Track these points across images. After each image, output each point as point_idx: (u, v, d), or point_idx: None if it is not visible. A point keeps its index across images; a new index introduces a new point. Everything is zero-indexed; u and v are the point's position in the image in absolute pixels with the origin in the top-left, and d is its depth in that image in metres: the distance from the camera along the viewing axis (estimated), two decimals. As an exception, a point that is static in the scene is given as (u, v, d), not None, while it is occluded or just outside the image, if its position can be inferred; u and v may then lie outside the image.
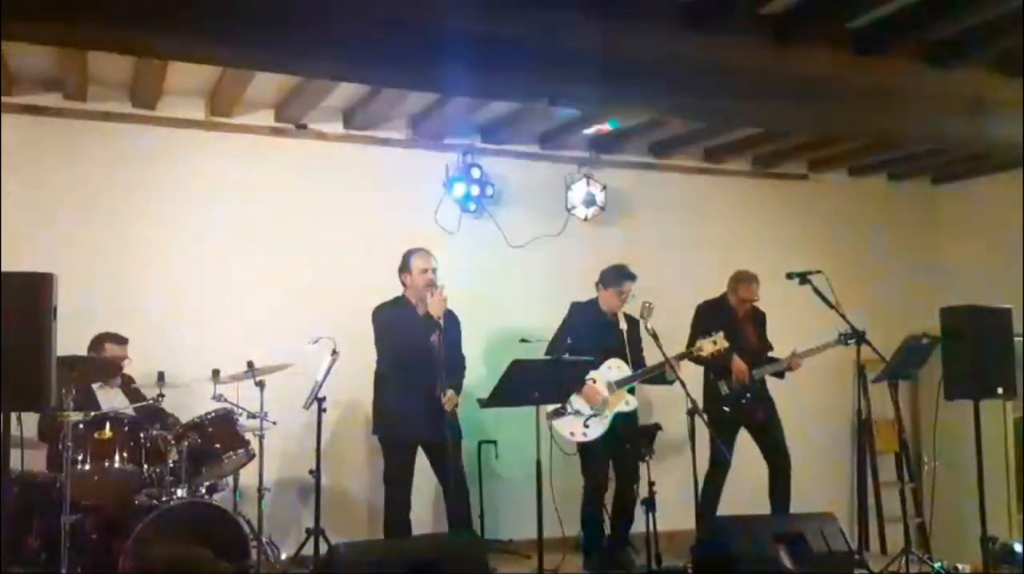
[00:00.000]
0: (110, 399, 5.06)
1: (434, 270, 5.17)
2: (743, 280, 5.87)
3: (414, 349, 5.01)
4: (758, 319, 5.98)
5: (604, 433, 5.40)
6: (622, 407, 5.44)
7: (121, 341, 5.19)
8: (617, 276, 5.63)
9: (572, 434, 5.37)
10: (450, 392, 5.03)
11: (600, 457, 5.50)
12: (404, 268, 5.24)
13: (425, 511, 5.88)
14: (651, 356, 5.48)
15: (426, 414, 5.01)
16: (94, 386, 5.02)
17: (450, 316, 5.23)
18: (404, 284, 5.25)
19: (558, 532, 5.32)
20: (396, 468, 5.13)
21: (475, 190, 6.54)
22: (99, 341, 5.14)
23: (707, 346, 5.34)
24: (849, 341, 5.43)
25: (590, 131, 6.50)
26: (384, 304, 5.20)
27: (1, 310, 3.26)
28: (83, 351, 4.56)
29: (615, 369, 5.46)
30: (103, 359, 4.95)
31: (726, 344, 5.35)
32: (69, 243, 5.56)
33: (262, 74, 5.40)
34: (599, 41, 4.25)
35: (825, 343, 5.58)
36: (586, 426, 5.39)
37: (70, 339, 3.66)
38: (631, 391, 5.51)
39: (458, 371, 5.24)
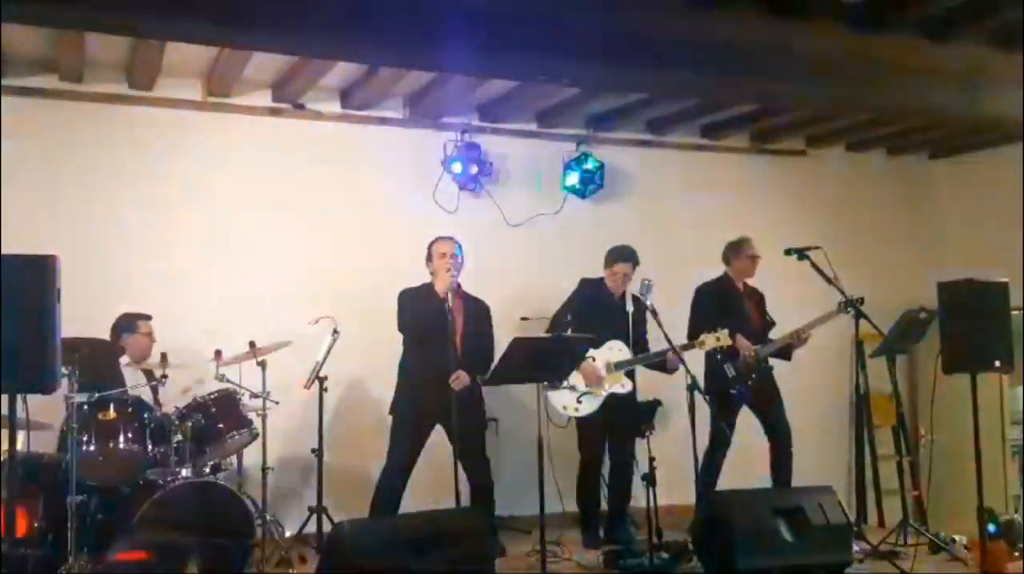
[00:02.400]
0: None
1: (453, 255, 5.23)
2: (742, 242, 5.83)
3: (425, 328, 5.10)
4: (758, 298, 5.99)
5: (598, 411, 5.46)
6: (617, 389, 5.49)
7: (148, 318, 5.26)
8: (610, 256, 5.65)
9: (564, 408, 5.42)
10: (459, 372, 5.07)
11: (596, 433, 5.57)
12: (428, 256, 5.32)
13: (427, 490, 5.94)
14: (653, 337, 5.51)
15: (437, 394, 5.05)
16: (123, 363, 5.07)
17: (474, 303, 5.35)
18: (431, 272, 5.30)
19: (558, 508, 5.38)
20: (396, 448, 5.21)
21: (473, 168, 6.54)
22: (131, 321, 5.18)
23: (710, 341, 5.34)
24: (849, 309, 5.39)
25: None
26: (406, 288, 5.29)
27: (4, 292, 3.28)
28: (87, 333, 4.57)
29: (615, 350, 5.48)
30: (106, 341, 4.98)
31: (729, 342, 5.36)
32: (67, 225, 5.56)
33: (259, 54, 5.40)
34: (599, 19, 4.24)
35: (828, 313, 5.54)
36: (579, 402, 5.44)
37: (69, 321, 3.67)
38: (629, 375, 5.55)
39: (480, 356, 5.21)
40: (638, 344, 5.58)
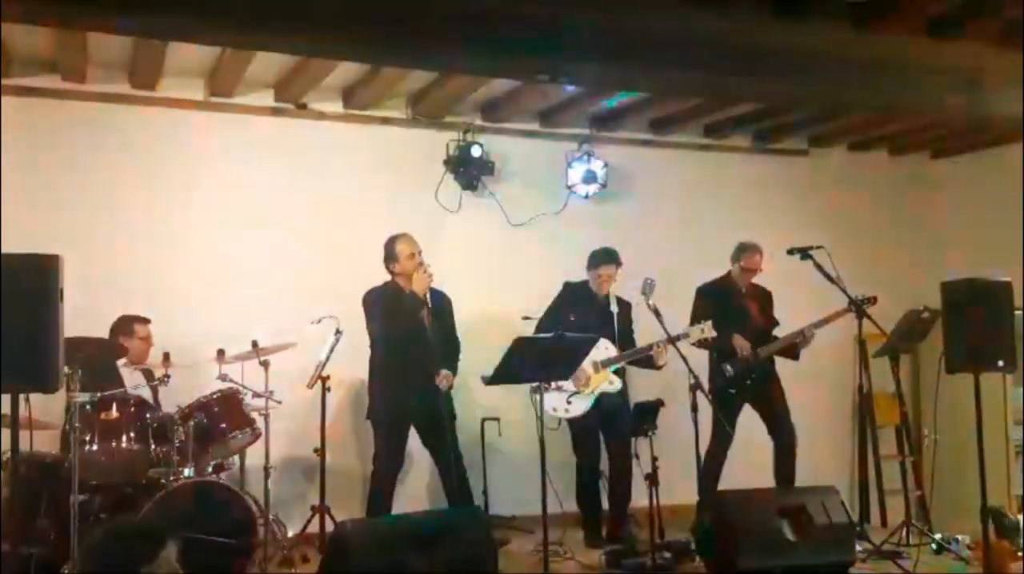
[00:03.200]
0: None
1: (420, 251, 5.23)
2: (746, 250, 5.85)
3: (404, 329, 5.08)
4: (763, 298, 5.98)
5: (590, 410, 5.48)
6: (605, 387, 5.50)
7: (146, 321, 5.27)
8: (593, 259, 5.67)
9: (554, 409, 5.42)
10: (444, 371, 5.09)
11: (589, 434, 5.59)
12: (390, 256, 5.27)
13: (423, 490, 5.95)
14: (646, 336, 5.52)
15: (418, 395, 5.08)
16: (120, 364, 5.07)
17: (442, 298, 5.31)
18: (392, 272, 5.28)
19: (558, 508, 5.37)
20: (384, 449, 5.19)
21: (475, 168, 6.51)
22: (129, 323, 5.20)
23: (694, 334, 5.34)
24: (865, 303, 5.32)
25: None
26: (373, 288, 5.25)
27: (6, 291, 3.28)
28: (90, 333, 4.58)
29: (601, 349, 5.48)
30: (108, 341, 4.98)
31: (713, 334, 5.35)
32: (69, 224, 5.56)
33: (262, 54, 5.39)
34: (600, 17, 4.24)
35: (834, 312, 5.50)
36: (568, 403, 5.45)
37: (71, 320, 3.67)
38: (617, 372, 5.55)
39: (452, 353, 5.27)
40: (624, 343, 5.58)
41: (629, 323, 5.67)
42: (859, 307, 5.32)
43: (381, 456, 5.21)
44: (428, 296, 5.15)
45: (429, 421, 5.17)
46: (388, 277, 5.34)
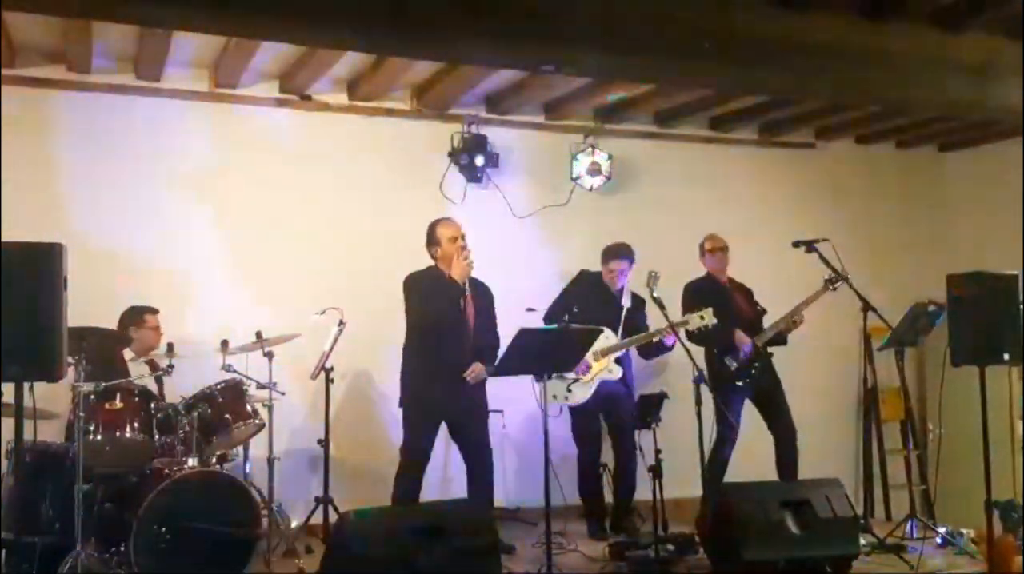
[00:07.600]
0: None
1: (463, 236, 5.10)
2: (705, 240, 5.92)
3: (441, 317, 4.94)
4: (744, 290, 6.01)
5: (595, 402, 5.48)
6: (605, 375, 5.49)
7: (155, 311, 5.28)
8: (605, 253, 5.67)
9: (555, 397, 5.40)
10: (476, 364, 5.00)
11: (591, 424, 5.59)
12: (431, 240, 5.12)
13: (433, 482, 5.93)
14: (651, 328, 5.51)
15: (452, 386, 4.97)
16: (127, 357, 5.08)
17: (482, 289, 5.19)
18: (434, 257, 5.13)
19: (562, 500, 5.38)
20: (415, 441, 5.03)
21: (480, 160, 6.51)
22: (138, 314, 5.20)
23: (694, 321, 5.32)
24: (834, 286, 5.40)
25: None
26: (415, 273, 5.09)
27: (11, 280, 3.28)
28: (94, 323, 4.58)
29: (602, 338, 5.47)
30: (113, 331, 4.99)
31: (714, 320, 5.33)
32: (74, 215, 5.57)
33: (266, 45, 5.39)
34: (605, 8, 4.22)
35: (815, 292, 5.53)
36: (568, 390, 5.45)
37: (77, 310, 3.68)
38: (618, 362, 5.54)
39: (490, 346, 5.10)
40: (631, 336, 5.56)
41: (641, 319, 5.64)
42: (829, 285, 5.39)
43: (411, 454, 5.04)
44: (467, 284, 4.99)
45: (460, 415, 5.06)
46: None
